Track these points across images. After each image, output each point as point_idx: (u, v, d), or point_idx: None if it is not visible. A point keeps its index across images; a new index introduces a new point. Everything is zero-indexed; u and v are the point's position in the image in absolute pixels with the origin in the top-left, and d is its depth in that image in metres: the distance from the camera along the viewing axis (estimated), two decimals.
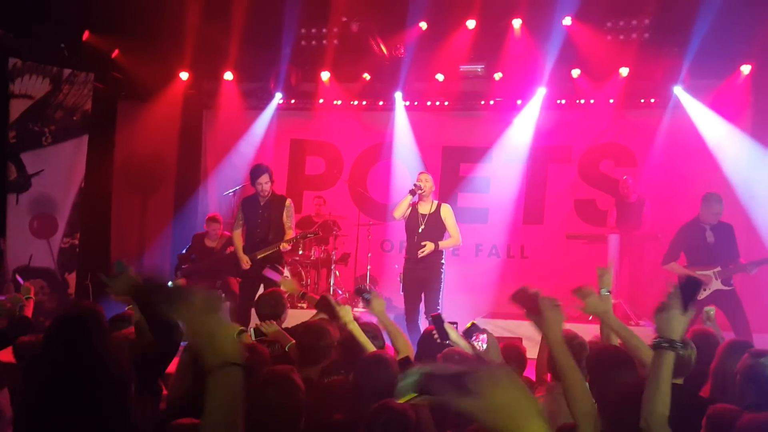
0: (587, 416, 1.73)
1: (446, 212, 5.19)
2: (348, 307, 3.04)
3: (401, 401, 0.97)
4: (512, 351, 3.27)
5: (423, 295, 5.13)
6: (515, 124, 7.56)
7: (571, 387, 1.77)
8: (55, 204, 7.06)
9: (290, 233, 5.36)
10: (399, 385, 0.96)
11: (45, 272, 7.00)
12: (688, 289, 1.68)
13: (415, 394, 0.94)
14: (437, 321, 2.91)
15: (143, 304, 2.35)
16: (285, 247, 5.30)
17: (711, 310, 3.76)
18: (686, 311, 1.68)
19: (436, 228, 5.14)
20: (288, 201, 5.44)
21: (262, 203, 5.35)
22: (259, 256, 5.29)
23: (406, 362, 2.69)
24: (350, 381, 2.58)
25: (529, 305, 1.92)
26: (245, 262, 5.30)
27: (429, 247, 5.04)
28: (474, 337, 2.59)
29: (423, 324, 4.98)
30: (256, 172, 5.29)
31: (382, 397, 2.17)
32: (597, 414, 1.78)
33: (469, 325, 2.65)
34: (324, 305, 3.17)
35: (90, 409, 1.73)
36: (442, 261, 5.18)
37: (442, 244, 5.12)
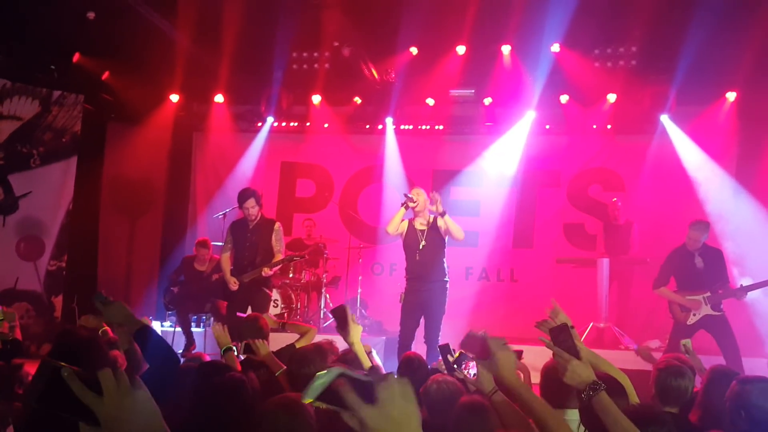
0: None
1: (442, 220, 4.94)
2: (360, 327, 2.92)
3: (306, 401, 0.95)
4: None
5: (423, 320, 4.90)
6: (505, 149, 7.62)
7: (543, 420, 1.79)
8: (43, 226, 7.00)
9: (278, 257, 5.32)
10: (309, 385, 0.95)
11: (31, 295, 6.92)
12: (563, 337, 1.73)
13: (317, 400, 0.94)
14: (444, 351, 2.86)
15: (136, 332, 2.33)
16: (266, 272, 5.22)
17: (687, 342, 3.77)
18: (578, 356, 1.72)
19: (437, 242, 4.95)
20: (277, 224, 5.42)
21: (250, 227, 5.34)
22: (246, 279, 5.27)
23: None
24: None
25: (478, 349, 1.90)
26: (233, 284, 5.26)
27: (438, 201, 4.76)
28: (464, 366, 2.54)
29: (419, 350, 4.80)
30: (242, 196, 5.28)
31: None
32: None
33: (456, 354, 2.59)
34: (339, 315, 3.03)
35: None
36: (446, 279, 4.97)
37: (448, 219, 4.83)
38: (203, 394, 2.27)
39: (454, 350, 3.12)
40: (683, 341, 3.80)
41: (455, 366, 2.57)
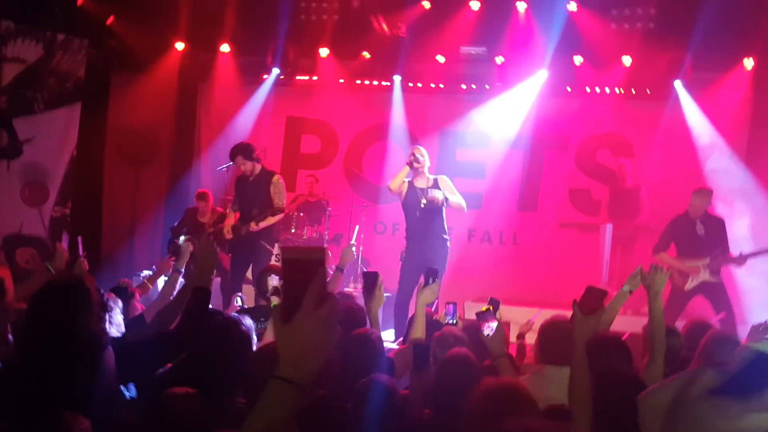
0: (584, 401, 1.85)
1: (444, 183, 5.07)
2: (383, 300, 3.13)
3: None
4: None
5: (423, 278, 5.03)
6: (514, 111, 7.47)
7: (576, 373, 1.90)
8: (47, 172, 7.00)
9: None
10: None
11: (37, 240, 6.96)
12: None
13: None
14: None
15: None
16: (253, 227, 5.23)
17: None
18: None
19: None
20: (275, 177, 5.40)
21: (251, 180, 5.35)
22: (243, 232, 5.30)
23: (418, 344, 2.77)
24: (334, 358, 2.60)
25: (589, 304, 1.94)
26: (227, 232, 5.34)
27: (438, 194, 4.92)
28: (484, 321, 2.59)
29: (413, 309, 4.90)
30: (231, 155, 5.33)
31: (367, 375, 2.20)
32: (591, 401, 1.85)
33: (484, 308, 2.63)
34: (369, 281, 3.15)
35: (66, 377, 1.92)
36: (446, 236, 5.04)
37: (451, 198, 4.97)
38: (200, 336, 2.37)
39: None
40: None
41: (478, 318, 2.61)
